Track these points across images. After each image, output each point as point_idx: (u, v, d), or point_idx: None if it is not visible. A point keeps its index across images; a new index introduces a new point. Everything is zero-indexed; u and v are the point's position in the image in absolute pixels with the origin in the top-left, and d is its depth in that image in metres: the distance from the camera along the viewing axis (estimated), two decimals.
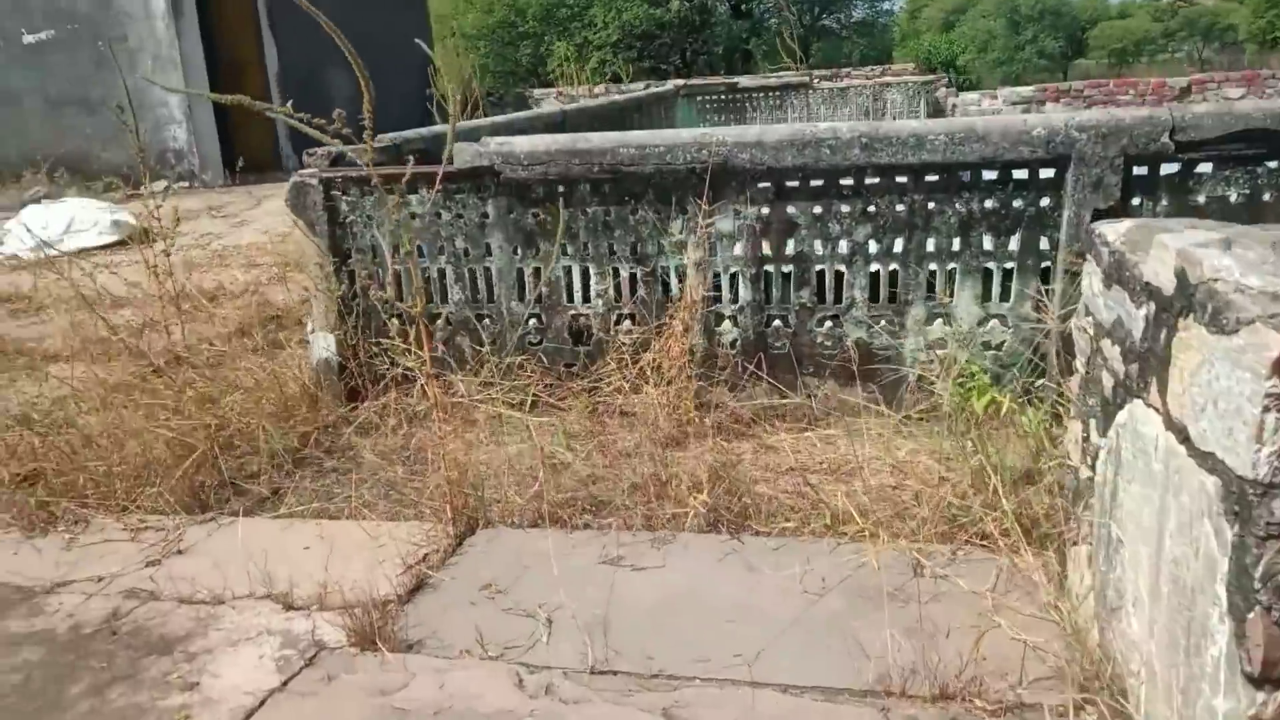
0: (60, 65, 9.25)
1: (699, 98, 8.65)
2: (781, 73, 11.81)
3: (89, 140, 9.41)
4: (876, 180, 2.54)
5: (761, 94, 8.51)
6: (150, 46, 9.01)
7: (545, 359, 2.85)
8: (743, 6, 16.35)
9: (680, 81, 8.40)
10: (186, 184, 9.29)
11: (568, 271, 2.80)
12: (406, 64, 13.65)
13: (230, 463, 2.64)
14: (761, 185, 2.58)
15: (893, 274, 2.65)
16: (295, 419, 2.82)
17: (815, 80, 8.81)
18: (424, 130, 3.62)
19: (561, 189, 2.72)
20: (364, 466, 2.62)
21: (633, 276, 2.75)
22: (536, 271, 2.81)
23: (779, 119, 8.40)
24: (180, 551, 2.28)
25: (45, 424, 2.85)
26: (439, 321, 2.94)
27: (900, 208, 2.55)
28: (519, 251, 2.82)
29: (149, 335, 3.89)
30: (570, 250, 2.77)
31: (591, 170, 2.66)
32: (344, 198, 2.96)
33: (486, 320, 2.88)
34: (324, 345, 2.98)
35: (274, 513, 2.42)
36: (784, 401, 2.69)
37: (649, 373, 2.58)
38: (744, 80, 8.77)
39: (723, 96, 8.58)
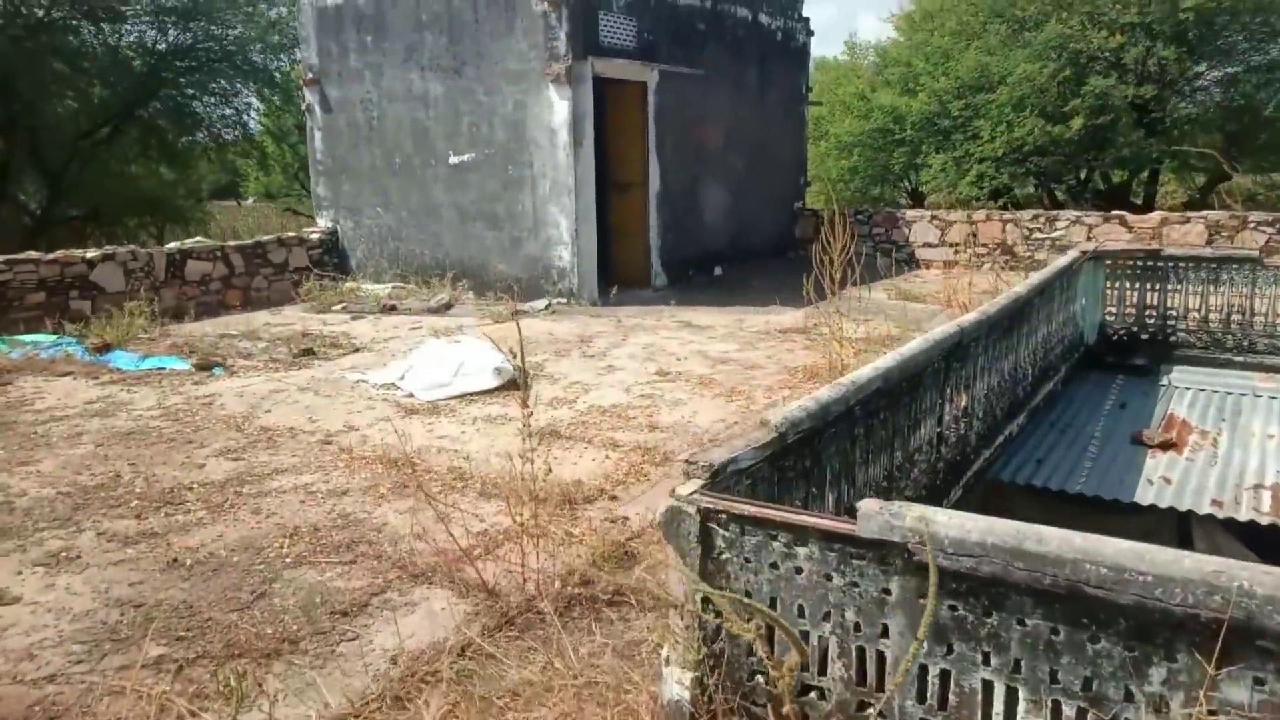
0: (474, 184, 10.24)
1: (1107, 262, 7.51)
2: (1220, 247, 10.18)
3: (488, 251, 10.30)
4: None
5: (1190, 266, 7.19)
6: (550, 173, 9.68)
7: None
8: (1153, 122, 14.46)
9: (1087, 247, 7.36)
10: (565, 300, 9.81)
11: (987, 686, 2.19)
12: (782, 165, 13.68)
13: None
14: None
15: None
16: None
17: (1263, 254, 7.31)
18: (808, 414, 3.19)
19: (994, 590, 2.13)
20: None
21: (1080, 713, 2.08)
22: (944, 674, 2.24)
23: (1214, 298, 7.02)
24: None
25: None
26: (810, 694, 2.45)
27: None
28: (925, 645, 2.26)
29: (505, 553, 3.84)
30: (994, 660, 2.16)
31: (1040, 580, 2.05)
32: (721, 532, 2.58)
33: (870, 710, 2.35)
34: (678, 684, 2.62)
35: None
36: None
37: None
38: (1169, 249, 7.48)
39: (1140, 264, 7.37)
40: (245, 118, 21.45)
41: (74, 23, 18.67)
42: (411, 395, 6.27)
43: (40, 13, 18.08)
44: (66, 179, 18.68)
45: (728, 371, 6.92)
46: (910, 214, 13.07)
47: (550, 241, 9.85)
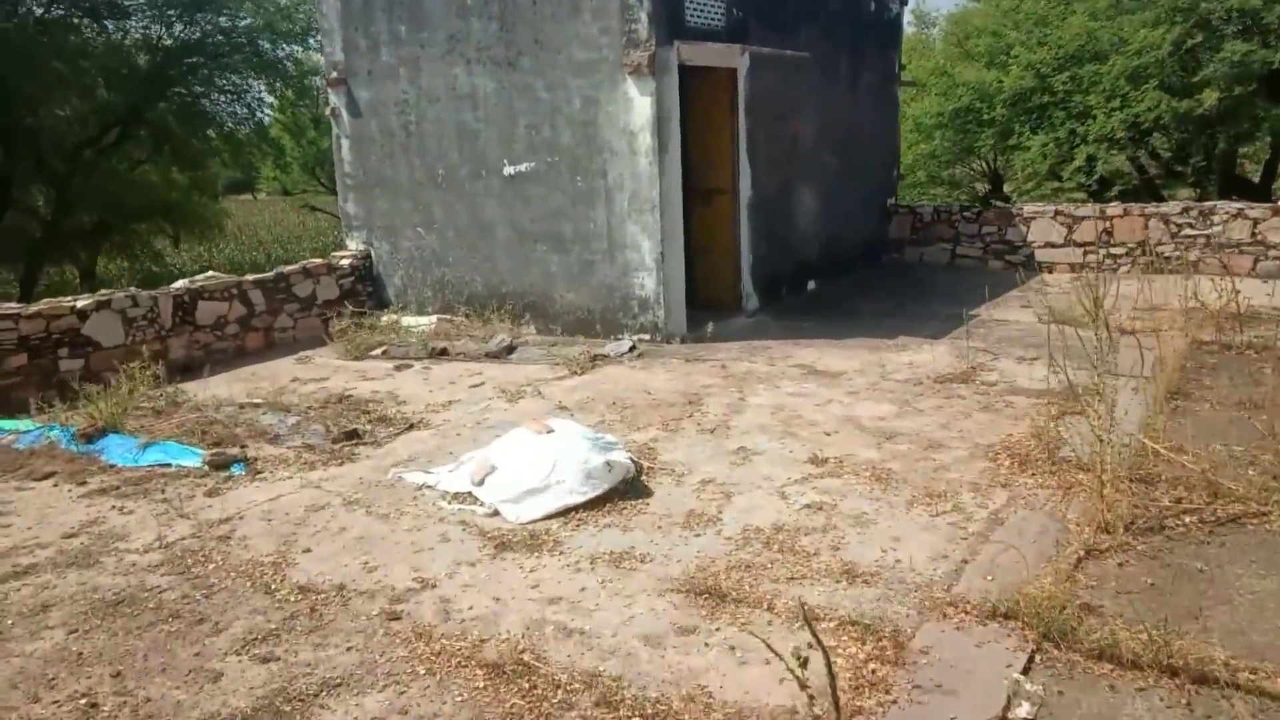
0: (535, 198, 8.59)
1: None
2: None
3: (552, 278, 8.66)
4: None
5: None
6: (630, 183, 8.00)
7: None
8: None
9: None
10: (648, 337, 8.16)
11: None
12: (873, 157, 11.91)
13: None
14: None
15: None
16: None
17: None
18: None
19: None
20: None
21: None
22: None
23: None
24: None
25: None
26: None
27: None
28: None
29: None
30: None
31: None
32: None
33: None
34: None
35: None
36: None
37: None
38: None
39: None
40: (259, 114, 19.90)
41: (75, 20, 17.14)
42: (496, 513, 4.65)
43: (40, 10, 16.56)
44: (74, 186, 17.24)
45: (901, 454, 5.24)
46: (1029, 209, 11.27)
47: (630, 266, 8.18)
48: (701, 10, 8.18)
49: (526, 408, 6.42)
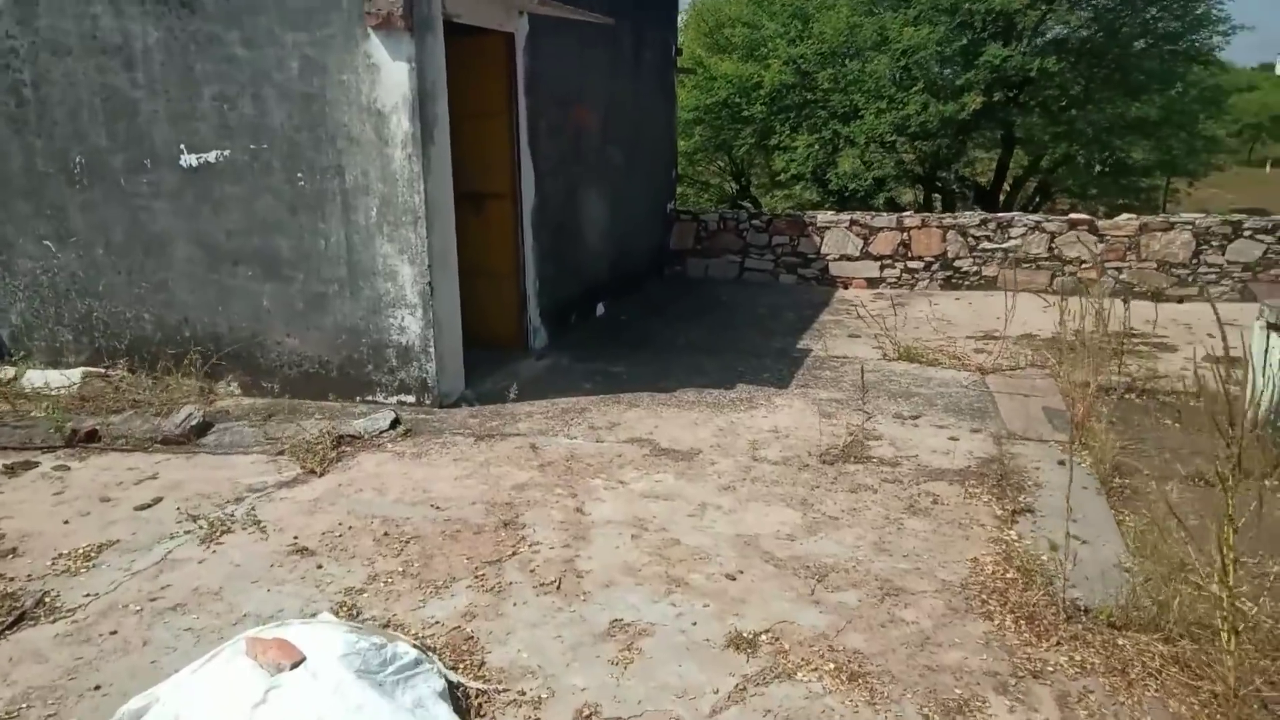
0: (233, 202, 5.94)
1: None
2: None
3: (264, 315, 6.06)
4: None
5: None
6: (379, 185, 5.63)
7: None
8: (1049, 101, 12.53)
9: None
10: (413, 399, 5.86)
11: None
12: (654, 155, 10.22)
13: None
14: None
15: None
16: None
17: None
18: None
19: None
20: None
21: None
22: None
23: None
24: None
25: None
26: None
27: None
28: None
29: None
30: None
31: None
32: None
33: None
34: None
35: None
36: None
37: None
38: None
39: None
40: None
41: None
42: None
43: None
44: None
45: (856, 615, 3.49)
46: (823, 218, 10.17)
47: (382, 301, 5.82)
48: None
49: (238, 554, 3.95)
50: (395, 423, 5.49)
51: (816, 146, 13.69)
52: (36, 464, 5.06)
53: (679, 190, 16.71)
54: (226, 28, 5.64)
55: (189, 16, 5.68)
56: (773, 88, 14.06)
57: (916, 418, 5.70)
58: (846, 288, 10.12)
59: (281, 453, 5.12)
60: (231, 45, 5.66)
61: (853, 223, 10.05)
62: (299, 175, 5.77)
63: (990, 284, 9.71)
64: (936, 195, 16.83)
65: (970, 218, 9.72)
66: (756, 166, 17.91)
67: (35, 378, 6.33)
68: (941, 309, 8.76)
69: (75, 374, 6.32)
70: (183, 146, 5.93)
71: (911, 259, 9.92)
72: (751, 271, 10.55)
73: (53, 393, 6.07)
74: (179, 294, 6.22)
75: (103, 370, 6.40)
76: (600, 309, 8.66)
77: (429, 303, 5.75)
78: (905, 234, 9.88)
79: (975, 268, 9.72)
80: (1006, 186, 16.35)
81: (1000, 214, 9.82)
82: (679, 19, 10.80)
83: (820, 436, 5.38)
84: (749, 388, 6.37)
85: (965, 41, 12.34)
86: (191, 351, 6.23)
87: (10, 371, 6.42)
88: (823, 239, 10.20)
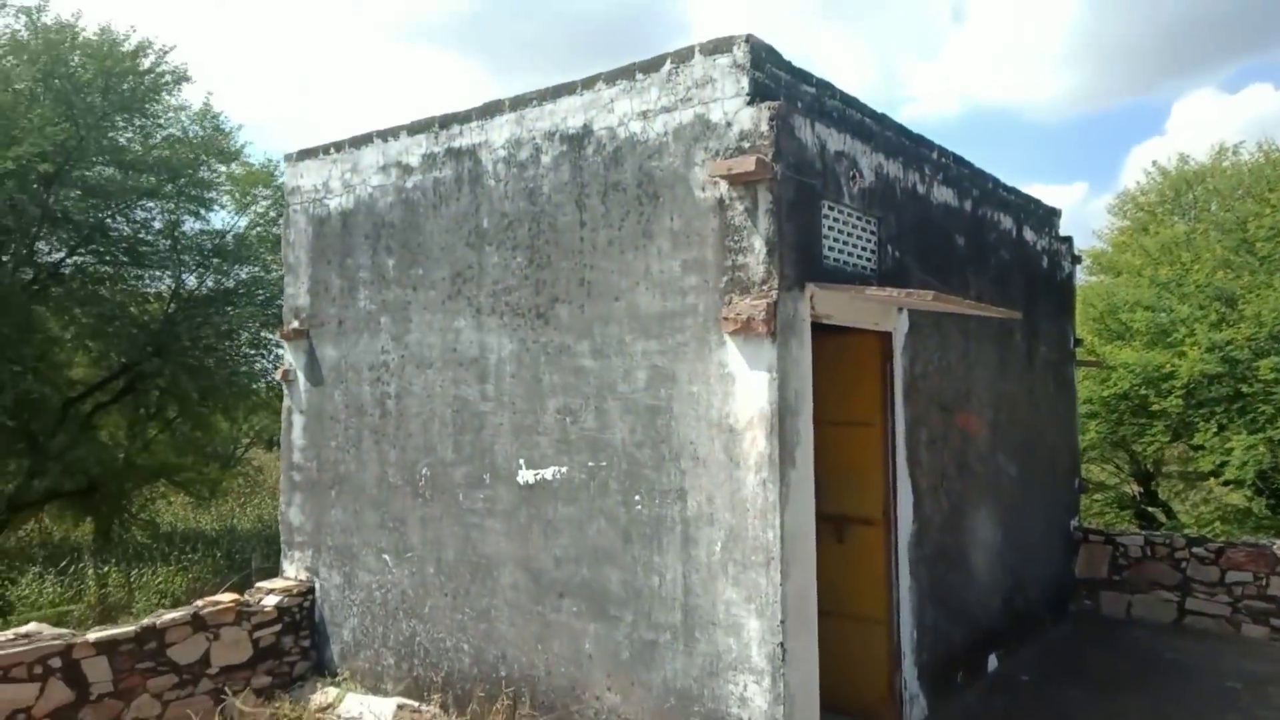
0: (565, 524, 5.22)
1: None
2: None
3: (587, 664, 5.08)
4: None
5: None
6: (725, 515, 4.62)
7: None
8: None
9: None
10: None
11: None
12: (1053, 463, 8.32)
13: None
14: None
15: None
16: None
17: None
18: None
19: None
20: None
21: None
22: None
23: None
24: None
25: None
26: None
27: None
28: None
29: None
30: None
31: None
32: None
33: None
34: None
35: None
36: None
37: None
38: None
39: None
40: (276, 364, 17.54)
41: (94, 268, 15.24)
42: None
43: (60, 255, 14.66)
44: (54, 447, 14.56)
45: None
46: None
47: (721, 662, 4.60)
48: (845, 242, 5.17)
49: None
50: None
51: (1261, 447, 10.91)
52: None
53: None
54: (577, 337, 5.21)
55: (541, 326, 5.35)
56: (1191, 378, 11.71)
57: None
58: None
59: None
60: (580, 355, 5.19)
61: None
62: (636, 498, 4.94)
63: None
64: None
65: None
66: (1165, 468, 14.98)
67: (353, 705, 5.80)
68: None
69: (389, 707, 5.70)
70: (521, 461, 5.43)
71: None
72: (1196, 615, 7.99)
73: None
74: (499, 625, 5.50)
75: (415, 706, 5.73)
76: (993, 662, 6.73)
77: (779, 669, 4.42)
78: None
79: None
80: None
81: None
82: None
83: None
84: None
85: None
86: (504, 694, 5.37)
87: (331, 695, 5.98)
88: None
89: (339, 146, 6.35)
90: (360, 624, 6.22)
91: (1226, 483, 12.10)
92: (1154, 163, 22.59)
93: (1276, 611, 7.65)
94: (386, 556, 6.10)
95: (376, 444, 6.17)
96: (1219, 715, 5.90)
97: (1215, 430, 11.74)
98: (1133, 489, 15.64)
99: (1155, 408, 12.31)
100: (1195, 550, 8.07)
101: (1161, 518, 14.64)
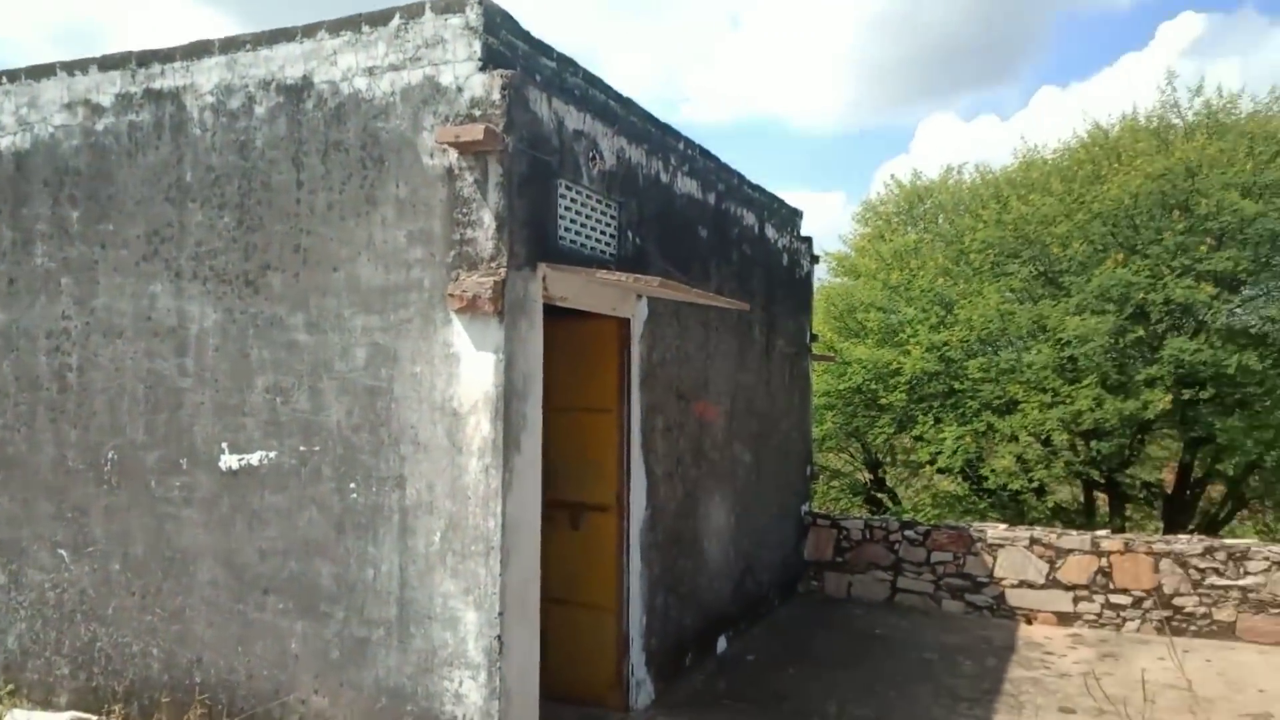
0: (273, 515, 4.77)
1: None
2: None
3: (293, 665, 4.66)
4: None
5: None
6: (445, 503, 4.38)
7: None
8: (1249, 399, 10.69)
9: None
10: None
11: None
12: (787, 450, 8.76)
13: None
14: None
15: None
16: None
17: None
18: None
19: None
20: None
21: None
22: None
23: None
24: None
25: None
26: None
27: None
28: None
29: None
30: None
31: None
32: None
33: None
34: None
35: None
36: None
37: None
38: None
39: None
40: None
41: None
42: None
43: None
44: None
45: None
46: (994, 534, 8.40)
47: (437, 658, 4.36)
48: (582, 224, 5.06)
49: None
50: None
51: (968, 439, 12.12)
52: None
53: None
54: (291, 309, 4.75)
55: (251, 295, 4.84)
56: (914, 374, 12.81)
57: None
58: (1031, 623, 8.10)
59: None
60: (294, 329, 4.74)
61: (1033, 541, 8.21)
62: (352, 486, 4.59)
63: (1227, 631, 7.54)
64: (1100, 494, 14.71)
65: (1190, 544, 7.76)
66: (894, 457, 16.35)
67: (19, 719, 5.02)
68: (1175, 671, 6.64)
69: None
70: (224, 445, 4.90)
71: (1114, 591, 7.91)
72: (906, 593, 8.68)
73: None
74: (195, 626, 4.94)
75: (92, 719, 5.04)
76: (722, 644, 6.94)
77: (496, 663, 4.24)
78: (1103, 559, 7.95)
79: (1203, 609, 7.61)
80: (1187, 492, 14.14)
81: (1231, 541, 7.84)
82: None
83: None
84: None
85: (1141, 333, 10.91)
86: (198, 701, 4.84)
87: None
88: (995, 559, 8.35)
89: (13, 76, 5.45)
90: (29, 629, 5.40)
91: (940, 470, 13.34)
92: (892, 176, 24.66)
93: (971, 588, 8.45)
94: (63, 551, 5.33)
95: (53, 423, 5.37)
96: (914, 685, 6.38)
97: (932, 423, 12.88)
98: (864, 476, 16.92)
99: (884, 401, 13.33)
100: (907, 533, 8.77)
101: (888, 503, 15.94)
